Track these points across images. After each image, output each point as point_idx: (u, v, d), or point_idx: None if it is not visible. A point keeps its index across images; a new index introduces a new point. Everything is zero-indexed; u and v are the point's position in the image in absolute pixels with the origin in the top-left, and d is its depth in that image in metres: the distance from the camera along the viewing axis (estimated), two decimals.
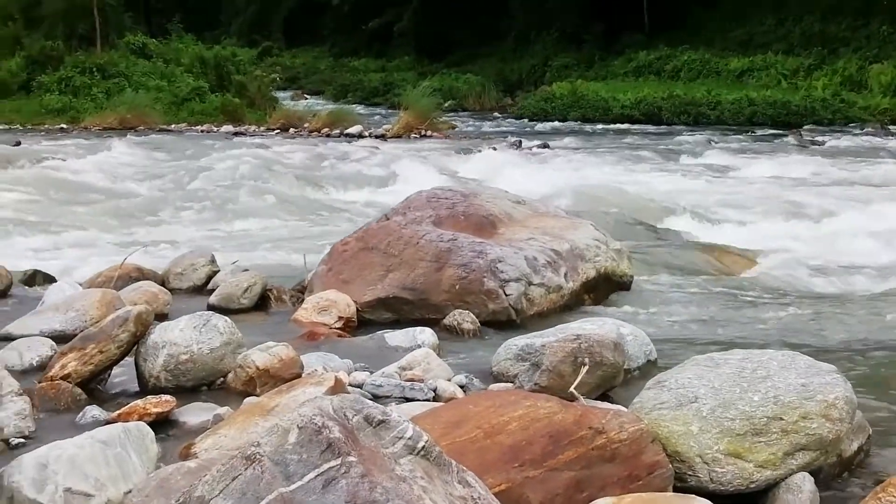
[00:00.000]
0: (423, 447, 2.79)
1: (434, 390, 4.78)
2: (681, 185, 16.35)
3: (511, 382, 4.99)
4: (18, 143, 23.91)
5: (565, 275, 7.17)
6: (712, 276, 8.92)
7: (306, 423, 2.59)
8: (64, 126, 30.83)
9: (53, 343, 5.48)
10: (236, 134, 29.70)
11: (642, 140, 27.42)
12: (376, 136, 28.30)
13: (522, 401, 3.74)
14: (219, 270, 7.87)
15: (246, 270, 7.56)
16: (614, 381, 5.04)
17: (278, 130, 30.55)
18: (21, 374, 5.00)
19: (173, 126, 31.12)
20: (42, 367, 5.17)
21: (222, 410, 4.44)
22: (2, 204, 13.92)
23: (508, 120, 37.49)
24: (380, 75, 52.18)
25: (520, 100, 41.63)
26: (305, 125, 30.90)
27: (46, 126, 30.76)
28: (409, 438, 2.78)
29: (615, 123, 33.96)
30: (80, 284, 7.19)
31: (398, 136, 27.96)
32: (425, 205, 7.80)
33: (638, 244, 10.04)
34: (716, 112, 33.86)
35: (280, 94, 39.14)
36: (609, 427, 3.63)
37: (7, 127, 30.64)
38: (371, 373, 5.04)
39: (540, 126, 34.02)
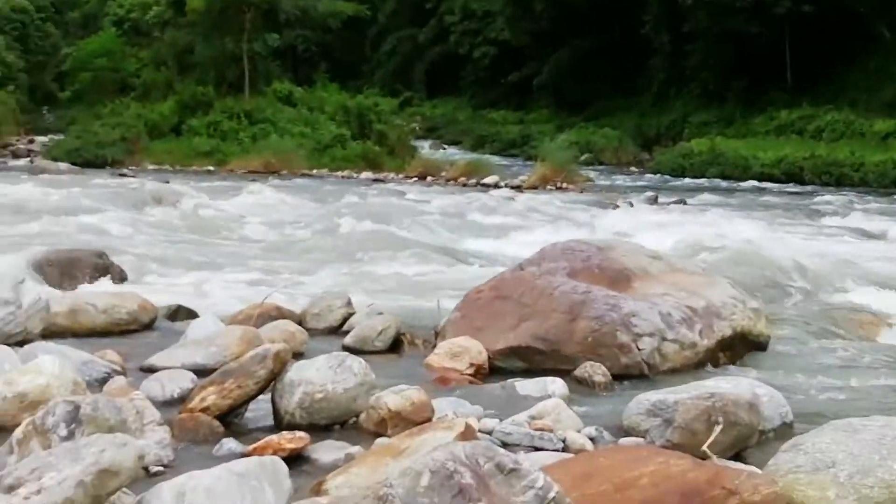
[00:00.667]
0: (554, 498, 2.79)
1: (563, 441, 4.75)
2: (821, 246, 15.96)
3: (642, 438, 4.93)
4: (168, 183, 24.77)
5: (700, 332, 7.06)
6: (851, 340, 8.66)
7: (438, 467, 2.61)
8: (211, 168, 31.86)
9: (194, 376, 5.64)
10: (375, 181, 30.22)
11: (782, 199, 26.92)
12: (512, 187, 28.45)
13: (654, 457, 3.70)
14: (354, 312, 7.99)
15: (380, 314, 7.65)
16: (748, 441, 4.93)
17: (416, 178, 30.97)
18: (162, 404, 5.15)
19: (315, 171, 31.84)
20: (182, 398, 5.32)
21: (354, 450, 4.50)
22: (150, 241, 14.43)
23: (645, 175, 37.24)
24: (517, 127, 52.47)
25: (657, 155, 41.37)
26: (443, 174, 31.27)
27: (194, 167, 31.84)
28: (540, 488, 2.78)
29: (754, 181, 33.41)
30: (222, 321, 7.38)
31: (534, 188, 28.05)
32: (560, 256, 7.79)
33: (775, 304, 9.83)
34: (859, 174, 33.04)
35: (419, 143, 39.72)
36: (743, 488, 3.56)
37: (158, 167, 31.82)
38: (500, 420, 5.04)
39: (677, 182, 33.71)
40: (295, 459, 4.35)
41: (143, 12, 39.81)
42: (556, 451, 4.64)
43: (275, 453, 4.27)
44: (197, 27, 36.42)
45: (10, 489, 3.29)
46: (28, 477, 3.37)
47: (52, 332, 7.07)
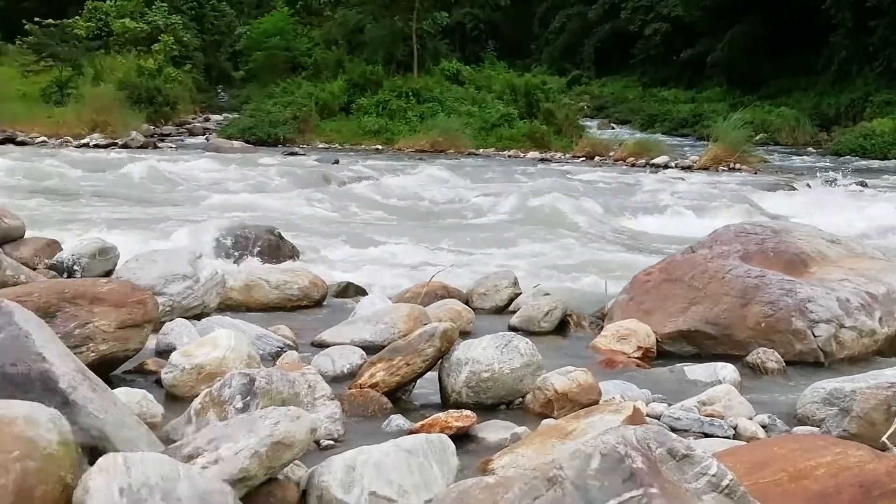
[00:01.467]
0: (728, 485, 2.72)
1: (734, 428, 4.64)
2: None
3: (817, 427, 4.77)
4: (337, 162, 25.23)
5: (880, 319, 6.78)
6: None
7: (609, 450, 2.58)
8: (379, 147, 32.30)
9: (363, 352, 5.72)
10: (542, 160, 30.13)
11: None
12: (683, 168, 27.94)
13: (831, 447, 3.57)
14: (520, 293, 7.99)
15: (547, 294, 7.62)
16: None
17: (584, 158, 30.73)
18: (332, 379, 5.24)
19: (481, 150, 31.93)
20: (352, 374, 5.40)
21: (520, 430, 4.49)
22: (320, 218, 14.74)
23: (824, 156, 36.04)
24: (689, 106, 51.42)
25: (836, 135, 39.95)
26: (611, 154, 30.94)
27: (363, 146, 32.32)
28: (714, 475, 2.72)
29: None
30: (389, 298, 7.48)
31: (705, 168, 27.48)
32: (733, 239, 7.61)
33: None
34: None
35: (587, 123, 39.38)
36: None
37: (327, 146, 32.44)
38: (669, 405, 4.96)
39: (857, 163, 32.50)
40: (461, 438, 4.37)
41: None
42: (727, 438, 4.54)
43: (442, 431, 4.29)
44: (368, 6, 36.92)
45: (189, 458, 3.40)
46: (206, 447, 3.46)
47: (227, 307, 7.29)
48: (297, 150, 30.86)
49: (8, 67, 37.25)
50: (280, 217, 13.98)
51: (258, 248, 10.17)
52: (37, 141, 30.29)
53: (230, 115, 38.14)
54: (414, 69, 36.72)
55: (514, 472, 3.72)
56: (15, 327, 3.84)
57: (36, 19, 35.84)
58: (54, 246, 9.32)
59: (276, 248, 10.28)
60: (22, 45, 37.24)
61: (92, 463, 3.09)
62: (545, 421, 4.58)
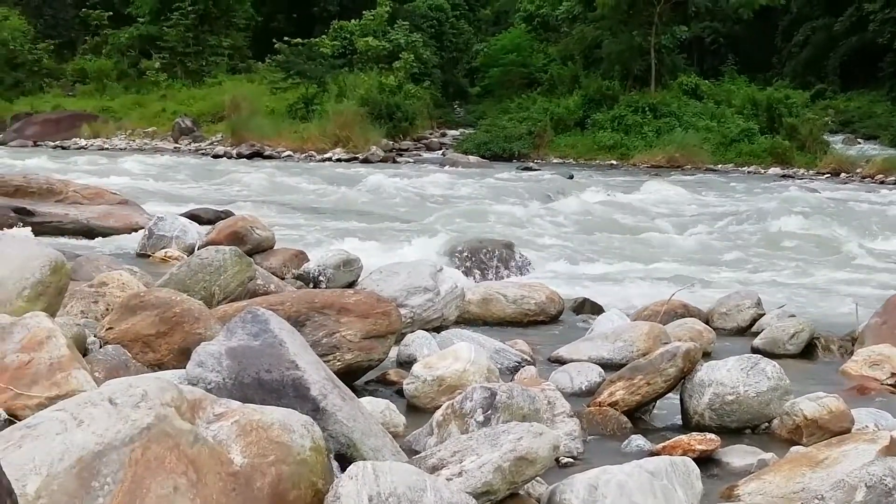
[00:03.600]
0: None
1: None
2: None
3: None
4: (572, 177, 25.20)
5: None
6: None
7: (875, 482, 2.45)
8: (614, 162, 32.08)
9: (601, 370, 5.67)
10: (784, 176, 29.19)
11: None
12: None
13: None
14: (764, 314, 7.75)
15: (793, 316, 7.37)
16: None
17: (828, 175, 29.59)
18: (570, 395, 5.22)
19: (720, 166, 31.23)
20: (590, 391, 5.36)
21: (767, 456, 4.34)
22: (554, 233, 14.74)
23: None
24: None
25: None
26: (858, 170, 29.65)
27: (598, 161, 32.18)
28: None
29: None
30: (627, 316, 7.39)
31: None
32: None
33: None
34: None
35: (831, 138, 37.83)
36: None
37: (562, 161, 32.47)
38: None
39: None
40: (704, 461, 4.26)
41: (552, 8, 40.74)
42: None
43: (684, 454, 4.20)
44: (606, 21, 36.79)
45: (433, 469, 3.44)
46: (450, 459, 3.50)
47: (465, 320, 7.38)
48: (531, 164, 31.02)
49: (258, 85, 39.06)
50: (515, 231, 14.06)
51: (494, 262, 10.25)
52: (283, 155, 31.64)
53: (466, 131, 38.73)
54: (651, 84, 36.29)
55: (762, 499, 3.60)
56: (270, 335, 4.00)
57: (285, 39, 37.49)
58: (301, 257, 9.70)
59: (511, 263, 10.35)
60: (271, 63, 39.00)
61: (343, 469, 3.18)
62: (794, 448, 4.40)
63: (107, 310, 5.89)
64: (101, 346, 5.12)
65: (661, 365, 4.98)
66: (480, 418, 4.18)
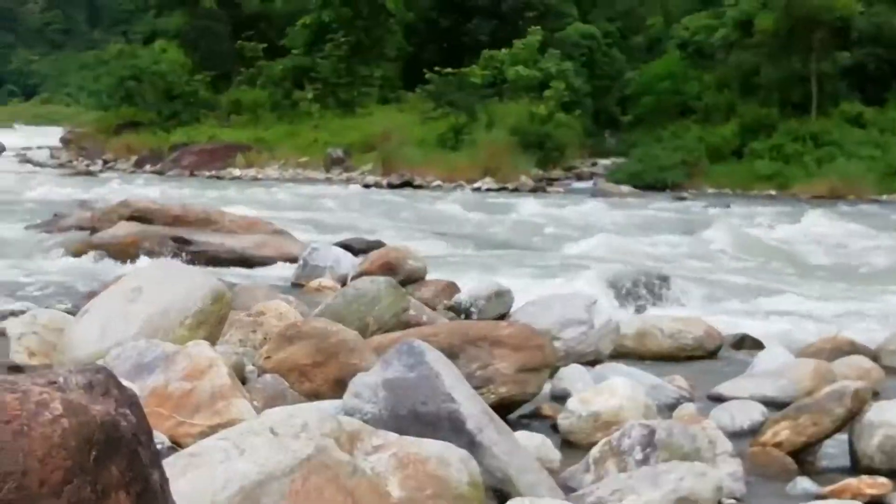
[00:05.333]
0: None
1: None
2: None
3: None
4: (728, 207, 24.66)
5: None
6: None
7: None
8: (772, 192, 31.33)
9: (764, 408, 5.48)
10: None
11: None
12: None
13: None
14: None
15: None
16: None
17: None
18: (731, 435, 5.05)
19: (884, 197, 30.16)
20: (752, 431, 5.19)
21: None
22: (709, 265, 14.44)
23: None
24: None
25: None
26: None
27: (755, 191, 31.46)
28: None
29: None
30: (791, 352, 7.15)
31: None
32: None
33: None
34: None
35: None
36: None
37: (717, 191, 31.86)
38: None
39: None
40: None
41: (708, 34, 40.13)
42: None
43: (853, 498, 4.04)
44: (764, 48, 36.00)
45: None
46: (609, 498, 3.42)
47: (619, 354, 7.25)
48: (685, 194, 30.52)
49: (408, 115, 39.50)
50: (671, 263, 13.83)
51: (649, 295, 10.08)
52: (433, 184, 31.89)
53: (617, 160, 38.35)
54: (811, 112, 35.33)
55: None
56: (426, 367, 3.98)
57: (436, 69, 37.86)
58: (452, 287, 9.72)
59: (667, 295, 10.16)
60: (422, 93, 39.44)
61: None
62: None
63: (264, 339, 5.99)
64: (259, 375, 5.20)
65: (828, 405, 4.78)
66: (639, 456, 4.07)
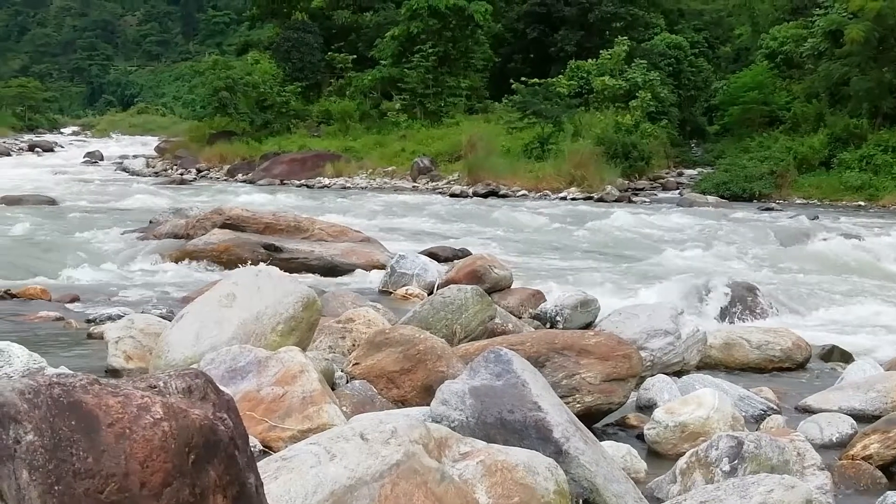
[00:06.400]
0: None
1: None
2: None
3: None
4: (816, 218, 24.31)
5: None
6: None
7: None
8: (861, 203, 30.76)
9: (853, 421, 5.42)
10: None
11: None
12: None
13: None
14: None
15: None
16: None
17: None
18: (819, 447, 5.01)
19: None
20: (841, 444, 5.14)
21: None
22: (799, 276, 14.25)
23: None
24: None
25: None
26: None
27: (844, 202, 30.93)
28: None
29: None
30: (880, 365, 7.05)
31: None
32: None
33: None
34: None
35: None
36: None
37: (805, 201, 31.38)
38: None
39: None
40: None
41: (796, 45, 39.57)
42: None
43: None
44: (854, 58, 35.39)
45: None
46: None
47: (706, 364, 7.21)
48: (772, 205, 30.09)
49: (494, 125, 39.57)
50: (757, 274, 13.68)
51: (736, 306, 9.99)
52: (518, 194, 31.90)
53: (703, 170, 37.96)
54: None
55: None
56: (513, 375, 4.02)
57: (522, 79, 37.89)
58: (538, 296, 9.75)
59: (754, 306, 10.05)
60: (508, 103, 39.49)
61: None
62: None
63: (353, 345, 6.08)
64: (347, 381, 5.29)
65: None
66: (726, 468, 4.07)
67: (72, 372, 3.05)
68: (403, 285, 10.58)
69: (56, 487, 2.14)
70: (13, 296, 10.22)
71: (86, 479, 2.19)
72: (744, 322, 9.53)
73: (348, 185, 35.20)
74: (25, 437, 2.15)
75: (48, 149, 58.34)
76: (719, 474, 4.03)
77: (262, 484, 2.63)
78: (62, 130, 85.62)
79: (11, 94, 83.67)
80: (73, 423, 2.22)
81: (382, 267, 11.91)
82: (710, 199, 30.81)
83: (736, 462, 4.05)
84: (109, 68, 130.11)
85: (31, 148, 57.79)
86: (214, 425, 2.48)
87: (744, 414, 5.46)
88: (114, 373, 5.82)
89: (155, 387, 2.50)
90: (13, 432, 2.15)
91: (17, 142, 61.70)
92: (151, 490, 2.29)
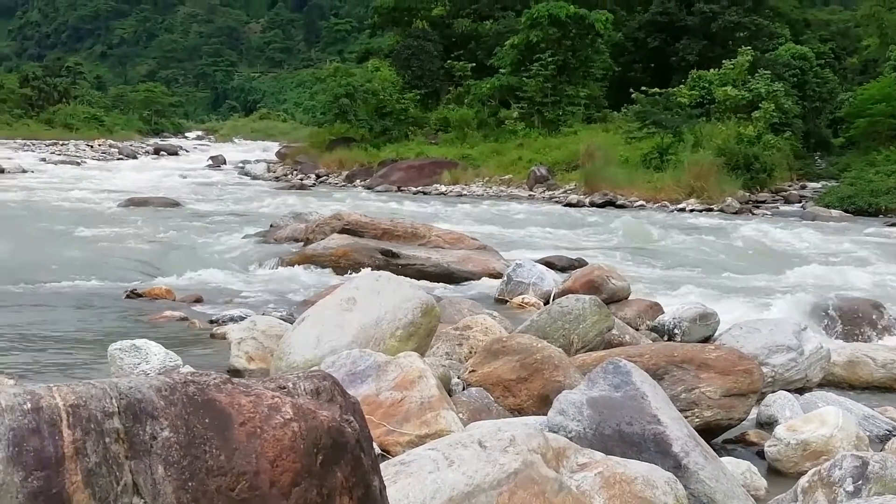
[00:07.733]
0: None
1: None
2: None
3: None
4: None
5: None
6: None
7: None
8: None
9: None
10: None
11: None
12: None
13: None
14: None
15: None
16: None
17: None
18: None
19: None
20: None
21: None
22: None
23: None
24: None
25: None
26: None
27: None
28: None
29: None
30: None
31: None
32: None
33: None
34: None
35: None
36: None
37: None
38: None
39: None
40: None
41: None
42: None
43: None
44: None
45: None
46: None
47: (829, 382, 7.06)
48: None
49: (613, 134, 39.29)
50: (884, 291, 13.30)
51: (860, 323, 9.73)
52: (636, 204, 31.59)
53: (828, 183, 37.10)
54: None
55: None
56: (632, 387, 4.00)
57: (642, 88, 37.58)
58: (656, 308, 9.65)
59: (880, 324, 9.78)
60: (627, 112, 39.21)
61: None
62: None
63: (470, 353, 6.11)
64: (464, 388, 5.31)
65: None
66: (850, 488, 3.97)
67: (205, 371, 3.13)
68: (520, 294, 10.57)
69: (190, 483, 2.20)
70: (139, 295, 10.53)
71: (218, 476, 2.24)
72: (868, 340, 9.28)
73: (464, 192, 35.32)
74: (162, 434, 2.22)
75: (173, 153, 60.03)
76: (842, 494, 3.93)
77: (385, 487, 2.66)
78: (186, 135, 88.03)
79: (139, 99, 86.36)
80: (206, 420, 2.28)
81: (499, 275, 11.92)
82: (834, 213, 30.07)
83: (860, 482, 3.96)
84: (233, 74, 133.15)
85: (157, 151, 59.50)
86: (342, 427, 2.52)
87: (868, 434, 5.32)
88: (235, 373, 5.94)
89: (284, 387, 2.55)
90: (150, 428, 2.22)
91: (143, 145, 63.65)
92: (281, 489, 2.34)
